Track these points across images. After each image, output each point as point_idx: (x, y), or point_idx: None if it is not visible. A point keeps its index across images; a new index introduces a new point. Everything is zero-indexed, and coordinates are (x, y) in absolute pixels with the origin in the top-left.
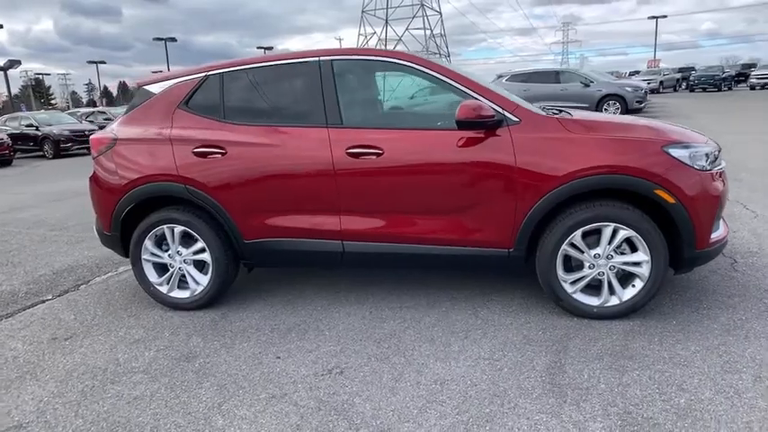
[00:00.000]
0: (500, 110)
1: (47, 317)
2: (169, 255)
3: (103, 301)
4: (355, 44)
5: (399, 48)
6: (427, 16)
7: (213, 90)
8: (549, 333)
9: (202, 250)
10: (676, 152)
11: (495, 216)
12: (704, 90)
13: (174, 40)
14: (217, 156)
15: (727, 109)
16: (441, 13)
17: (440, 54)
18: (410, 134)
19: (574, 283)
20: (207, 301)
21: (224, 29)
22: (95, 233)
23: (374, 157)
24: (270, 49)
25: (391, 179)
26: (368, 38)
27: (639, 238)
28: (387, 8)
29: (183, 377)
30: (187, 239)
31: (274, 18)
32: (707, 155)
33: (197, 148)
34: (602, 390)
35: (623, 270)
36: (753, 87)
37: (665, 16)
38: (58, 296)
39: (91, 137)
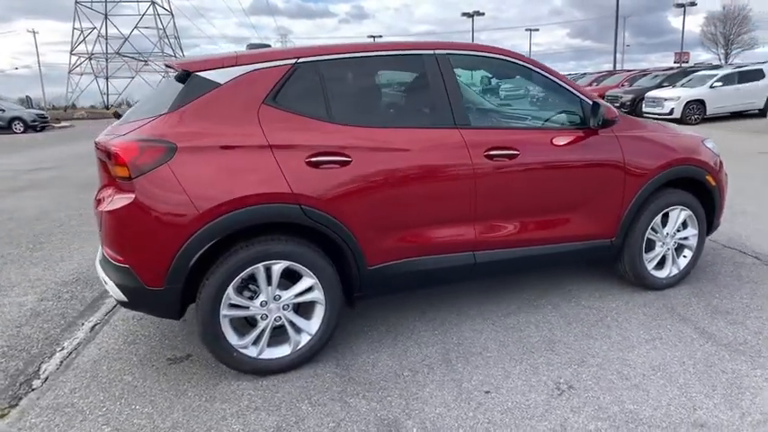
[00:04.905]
0: None
1: None
2: (261, 303)
3: (124, 389)
4: (71, 40)
5: (126, 47)
6: (159, 15)
7: (309, 82)
8: (653, 308)
9: (309, 289)
10: (709, 145)
11: (607, 209)
12: None
13: None
14: (334, 165)
15: None
16: (173, 14)
17: (175, 56)
18: (537, 134)
19: (650, 261)
20: (312, 355)
21: None
22: (110, 290)
23: (507, 159)
24: None
25: (526, 181)
26: (85, 33)
27: (693, 216)
28: (106, 1)
29: None
30: (283, 278)
31: None
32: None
33: (311, 156)
34: (757, 342)
35: (679, 244)
36: None
37: (380, 36)
38: (11, 406)
39: (115, 147)
